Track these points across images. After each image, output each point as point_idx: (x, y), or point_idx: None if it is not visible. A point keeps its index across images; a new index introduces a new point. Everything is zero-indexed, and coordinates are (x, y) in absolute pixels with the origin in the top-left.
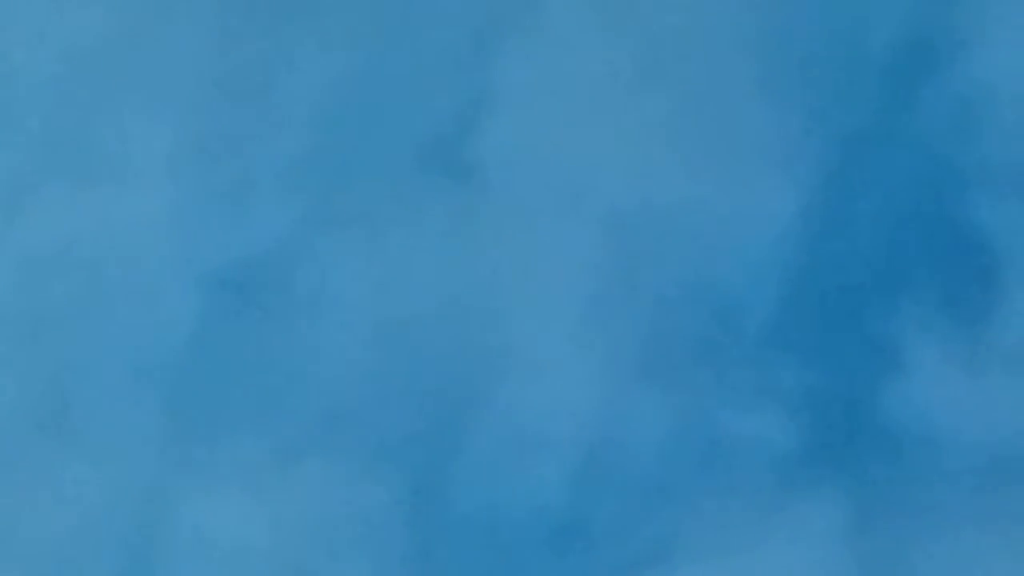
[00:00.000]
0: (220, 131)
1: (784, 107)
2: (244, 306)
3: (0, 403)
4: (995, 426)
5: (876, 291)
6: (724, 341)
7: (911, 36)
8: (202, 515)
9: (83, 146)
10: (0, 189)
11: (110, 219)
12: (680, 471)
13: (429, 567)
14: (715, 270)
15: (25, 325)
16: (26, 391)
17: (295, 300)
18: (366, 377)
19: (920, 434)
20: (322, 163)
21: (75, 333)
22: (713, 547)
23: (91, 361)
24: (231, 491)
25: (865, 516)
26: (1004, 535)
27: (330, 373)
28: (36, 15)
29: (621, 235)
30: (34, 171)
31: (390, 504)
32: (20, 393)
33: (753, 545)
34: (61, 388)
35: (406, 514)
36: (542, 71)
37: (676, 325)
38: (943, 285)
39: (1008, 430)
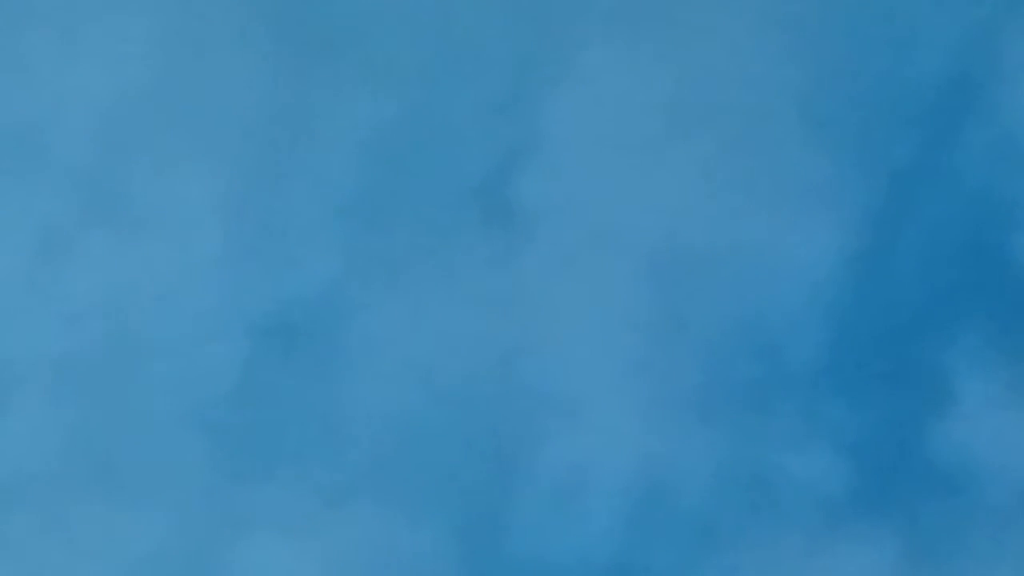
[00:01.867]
0: (265, 178)
1: (827, 147)
2: (291, 352)
3: (48, 454)
4: None
5: (923, 330)
6: (772, 382)
7: (953, 74)
8: (252, 560)
9: (129, 193)
10: (47, 237)
11: (156, 266)
12: (730, 513)
13: None
14: (761, 311)
15: (72, 374)
16: (74, 441)
17: (341, 346)
18: (413, 422)
19: (969, 472)
20: (367, 209)
21: (122, 381)
22: None
23: (138, 409)
24: (280, 536)
25: (915, 555)
26: None
27: (377, 418)
28: (81, 63)
29: (666, 278)
30: (80, 219)
31: (438, 550)
32: (68, 444)
33: None
34: (109, 438)
35: (454, 560)
36: (584, 116)
37: (723, 367)
38: (990, 322)
39: None
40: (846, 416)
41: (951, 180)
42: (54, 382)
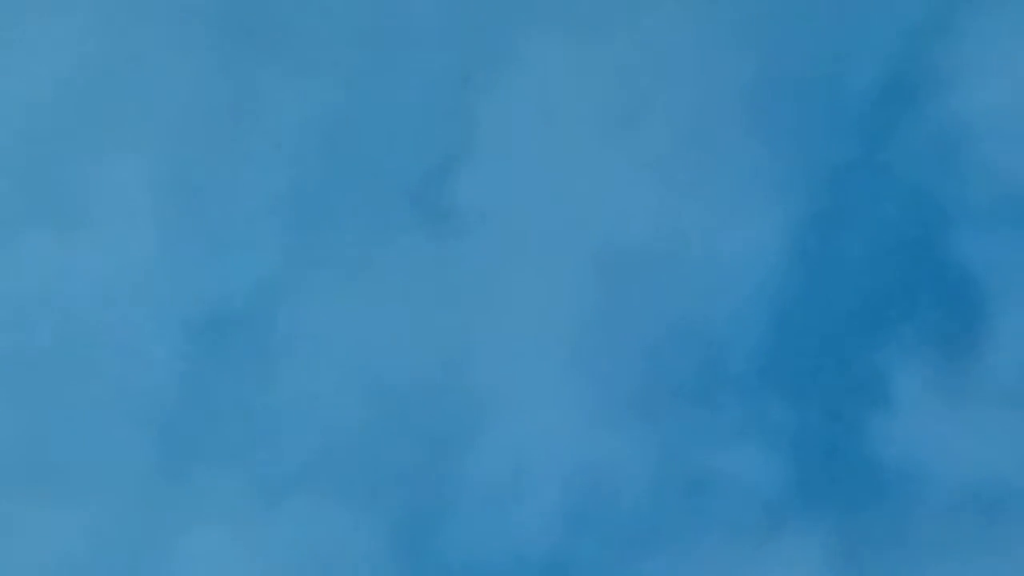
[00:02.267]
0: (201, 174)
1: (768, 146)
2: (228, 348)
3: None
4: (980, 461)
5: (861, 328)
6: (712, 381)
7: (893, 73)
8: (190, 556)
9: (62, 191)
10: None
11: (91, 264)
12: (667, 511)
13: None
14: (701, 309)
15: (7, 372)
16: (10, 439)
17: (279, 342)
18: (351, 418)
19: (906, 470)
20: (304, 205)
21: (59, 379)
22: None
23: (75, 406)
24: (217, 531)
25: (851, 552)
26: (989, 570)
27: (315, 413)
28: (10, 60)
29: (606, 277)
30: (12, 217)
31: (375, 545)
32: (4, 442)
33: None
34: (46, 435)
35: (391, 555)
36: (523, 115)
37: (662, 365)
38: (928, 321)
39: (993, 465)
40: (785, 415)
41: (891, 179)
42: None
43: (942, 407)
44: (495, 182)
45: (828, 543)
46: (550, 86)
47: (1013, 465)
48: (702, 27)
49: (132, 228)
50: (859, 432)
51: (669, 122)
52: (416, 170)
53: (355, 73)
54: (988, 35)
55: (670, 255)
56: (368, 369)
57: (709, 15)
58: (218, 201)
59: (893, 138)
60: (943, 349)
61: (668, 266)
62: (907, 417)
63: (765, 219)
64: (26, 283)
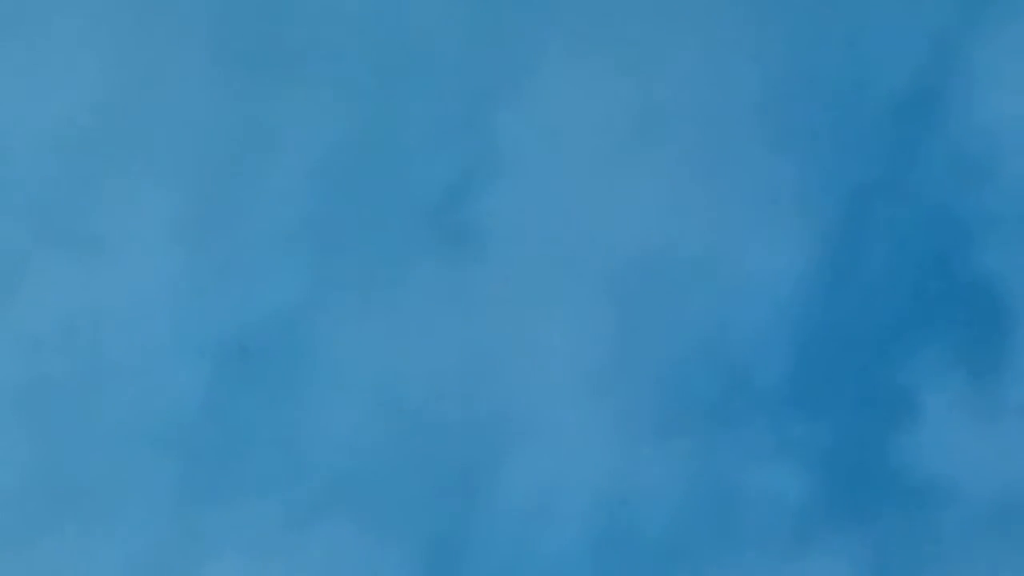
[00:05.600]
0: (220, 198)
1: (788, 162)
2: (252, 374)
3: (10, 480)
4: (1009, 475)
5: (887, 344)
6: (736, 398)
7: (915, 88)
8: None
9: (81, 216)
10: (1, 261)
11: (111, 289)
12: (696, 531)
13: None
14: (724, 327)
15: (28, 401)
16: (33, 469)
17: (303, 367)
18: (375, 443)
19: (933, 485)
20: (324, 229)
21: (80, 407)
22: None
23: (101, 433)
24: (244, 557)
25: (880, 566)
26: None
27: (340, 439)
28: (34, 81)
29: (628, 296)
30: (31, 242)
31: (403, 570)
32: (27, 471)
33: None
34: (72, 462)
35: None
36: (542, 132)
37: (686, 384)
38: (954, 336)
39: (1022, 478)
40: (811, 431)
41: (915, 195)
42: (13, 407)
43: (969, 422)
44: (514, 201)
45: (857, 558)
46: (570, 103)
47: None
48: (722, 42)
49: (153, 254)
50: (886, 448)
51: (690, 139)
52: (434, 191)
53: (374, 94)
54: (1015, 46)
55: (693, 274)
56: (392, 393)
57: (729, 29)
58: (239, 227)
59: (917, 152)
60: (969, 364)
61: (691, 285)
62: (934, 432)
63: (788, 235)
64: (47, 309)
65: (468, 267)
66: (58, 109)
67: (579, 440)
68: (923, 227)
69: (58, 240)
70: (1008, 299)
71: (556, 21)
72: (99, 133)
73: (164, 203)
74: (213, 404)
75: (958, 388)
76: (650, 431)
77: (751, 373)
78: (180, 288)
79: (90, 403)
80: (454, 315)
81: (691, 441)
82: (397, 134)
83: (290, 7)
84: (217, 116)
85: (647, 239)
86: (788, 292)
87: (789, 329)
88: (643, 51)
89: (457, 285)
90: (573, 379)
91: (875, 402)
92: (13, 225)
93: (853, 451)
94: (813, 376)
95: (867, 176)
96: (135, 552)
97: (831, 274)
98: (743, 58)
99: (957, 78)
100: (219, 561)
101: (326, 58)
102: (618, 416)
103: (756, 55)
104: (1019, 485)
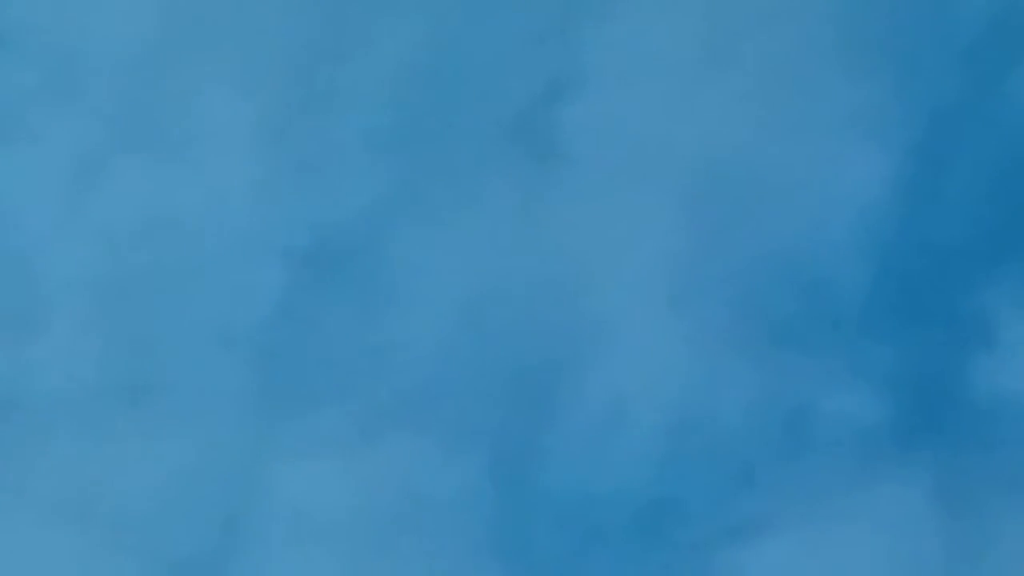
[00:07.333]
0: (300, 102)
1: (868, 79)
2: (327, 279)
3: (86, 374)
4: None
5: (966, 266)
6: (810, 316)
7: (1001, 9)
8: (287, 487)
9: (163, 118)
10: (79, 161)
11: (191, 191)
12: (766, 448)
13: (514, 543)
14: (802, 245)
15: (108, 297)
16: (111, 362)
17: (378, 274)
18: (451, 352)
19: (1009, 409)
20: (406, 135)
21: (159, 304)
22: (799, 523)
23: (175, 332)
24: (316, 464)
25: (951, 489)
26: None
27: (415, 347)
28: None
29: (706, 210)
30: (113, 143)
31: (475, 480)
32: (106, 364)
33: (840, 520)
34: (146, 359)
35: (491, 490)
36: (627, 45)
37: (763, 300)
38: None
39: None
40: (885, 353)
41: (997, 117)
42: (91, 304)
43: None
44: (598, 113)
45: (928, 481)
46: (654, 18)
47: None
48: None
49: (233, 157)
50: (962, 371)
51: (770, 55)
52: (516, 102)
53: (456, 6)
54: None
55: (772, 191)
56: (469, 301)
57: None
58: (319, 131)
59: (1001, 73)
60: None
61: (770, 202)
62: (1011, 356)
63: (867, 155)
64: (127, 209)
65: (548, 177)
66: (139, 13)
67: (653, 352)
68: (1006, 149)
69: (139, 142)
70: None
71: None
72: (179, 38)
73: (244, 107)
74: (289, 308)
75: None
76: (724, 346)
77: (827, 292)
78: (259, 191)
79: (166, 302)
80: (533, 224)
81: (764, 358)
82: (482, 43)
83: None
84: (299, 19)
85: (727, 155)
86: (867, 212)
87: (867, 249)
88: None
89: (537, 194)
90: (649, 292)
91: (952, 325)
92: (93, 127)
93: (928, 374)
94: (890, 297)
95: (950, 95)
96: (202, 451)
97: (912, 194)
98: None
99: None
100: (289, 467)
101: None
102: (692, 329)
103: None
104: None
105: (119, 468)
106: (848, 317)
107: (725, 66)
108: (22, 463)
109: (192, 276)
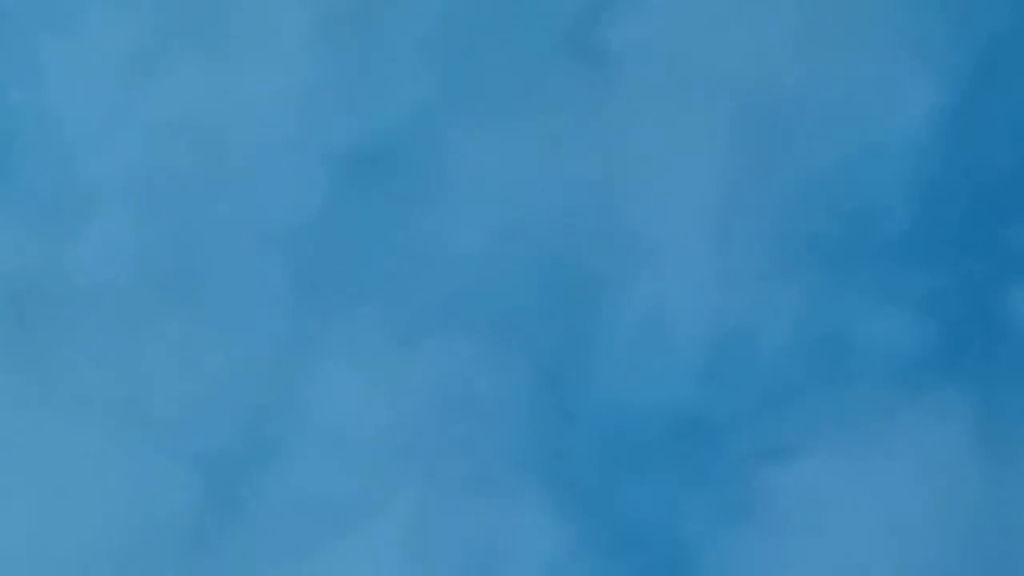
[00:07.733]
0: (355, 8)
1: (919, 11)
2: (373, 183)
3: (126, 270)
4: None
5: (1010, 197)
6: (853, 240)
7: None
8: (320, 389)
9: (216, 19)
10: (130, 56)
11: (241, 91)
12: (806, 370)
13: (550, 453)
14: (847, 172)
15: (150, 194)
16: (151, 259)
17: (424, 179)
18: (492, 261)
19: None
20: (455, 44)
21: (201, 203)
22: (836, 445)
23: (216, 231)
24: (351, 368)
25: (990, 418)
26: None
27: (456, 255)
28: None
29: (754, 129)
30: (165, 42)
31: (511, 390)
32: (146, 261)
33: (877, 447)
34: (186, 257)
35: (527, 401)
36: None
37: (807, 223)
38: None
39: None
40: (927, 279)
41: None
42: (133, 201)
43: None
44: (652, 28)
45: (967, 409)
46: None
47: None
48: None
49: (283, 59)
50: (1003, 301)
51: None
52: (567, 13)
53: None
54: None
55: (820, 116)
56: (513, 209)
57: None
58: (371, 39)
59: None
60: None
61: (817, 128)
62: None
63: (918, 82)
64: (176, 106)
65: (600, 87)
66: None
67: (696, 269)
68: None
69: (191, 42)
70: None
71: None
72: None
73: (296, 8)
74: (332, 210)
75: None
76: (767, 267)
77: (871, 219)
78: (308, 93)
79: (209, 201)
80: (582, 135)
81: (807, 281)
82: None
83: None
84: None
85: (776, 79)
86: (915, 140)
87: (912, 178)
88: None
89: (587, 105)
90: (695, 208)
91: (994, 255)
92: (145, 22)
93: (970, 302)
94: (933, 226)
95: (1000, 27)
96: (240, 350)
97: (958, 125)
98: None
99: None
100: (325, 368)
101: None
102: (737, 249)
103: None
104: None
105: (155, 364)
106: (891, 245)
107: None
108: (59, 357)
109: (236, 176)
